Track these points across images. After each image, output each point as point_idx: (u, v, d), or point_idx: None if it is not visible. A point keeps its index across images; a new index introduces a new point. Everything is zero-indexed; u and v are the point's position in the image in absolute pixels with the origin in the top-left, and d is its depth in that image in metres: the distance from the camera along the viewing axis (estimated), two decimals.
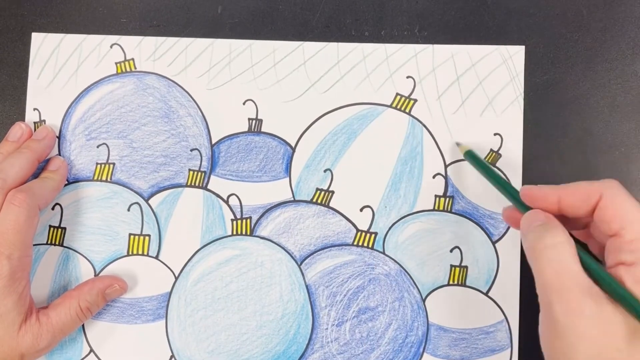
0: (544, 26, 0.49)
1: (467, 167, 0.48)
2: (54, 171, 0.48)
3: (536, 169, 0.48)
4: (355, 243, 0.48)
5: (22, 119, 0.50)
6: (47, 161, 0.49)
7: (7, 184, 0.45)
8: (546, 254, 0.35)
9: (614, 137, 0.48)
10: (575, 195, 0.37)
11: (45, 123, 0.50)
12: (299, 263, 0.48)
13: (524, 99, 0.48)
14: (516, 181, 0.47)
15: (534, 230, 0.36)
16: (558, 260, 0.34)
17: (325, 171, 0.49)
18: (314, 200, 0.48)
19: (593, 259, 0.35)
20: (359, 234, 0.48)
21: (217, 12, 0.50)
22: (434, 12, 0.49)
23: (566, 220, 0.38)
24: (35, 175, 0.48)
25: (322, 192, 0.48)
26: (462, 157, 0.47)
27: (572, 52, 0.49)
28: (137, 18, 0.51)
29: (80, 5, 0.51)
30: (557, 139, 0.48)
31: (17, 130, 0.49)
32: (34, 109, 0.50)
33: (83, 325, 0.48)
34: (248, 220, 0.49)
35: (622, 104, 0.48)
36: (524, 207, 0.39)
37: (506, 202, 0.42)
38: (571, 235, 0.36)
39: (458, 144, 0.47)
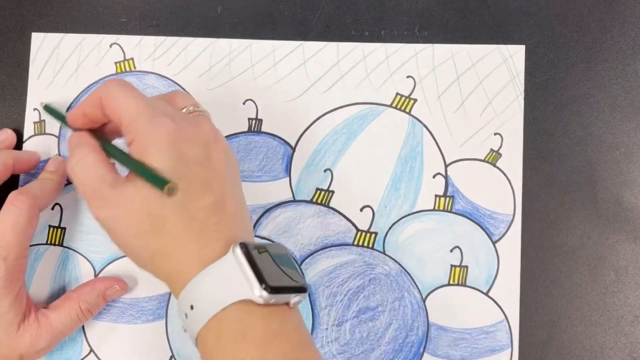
0: (544, 26, 0.49)
1: (468, 166, 0.48)
2: (53, 172, 0.48)
3: (536, 168, 0.48)
4: (355, 243, 0.48)
5: (22, 119, 0.50)
6: (46, 162, 0.49)
7: None
8: (76, 170, 0.38)
9: (614, 137, 0.48)
10: (88, 106, 0.40)
11: (45, 123, 0.50)
12: (299, 263, 0.48)
13: (524, 99, 0.48)
14: (516, 181, 0.47)
15: (69, 154, 0.40)
16: (84, 171, 0.38)
17: (325, 171, 0.48)
18: (314, 200, 0.48)
19: (118, 150, 0.39)
20: (359, 233, 0.48)
21: (217, 12, 0.50)
22: (434, 12, 0.49)
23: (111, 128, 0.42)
24: (34, 175, 0.48)
25: (322, 192, 0.48)
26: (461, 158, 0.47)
27: (572, 52, 0.49)
28: (137, 18, 0.51)
29: (80, 4, 0.51)
30: (557, 139, 0.48)
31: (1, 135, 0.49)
32: (34, 109, 0.50)
33: (83, 326, 0.48)
34: None
35: (622, 104, 0.48)
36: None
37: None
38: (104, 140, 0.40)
39: (42, 103, 0.49)
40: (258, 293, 0.33)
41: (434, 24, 0.49)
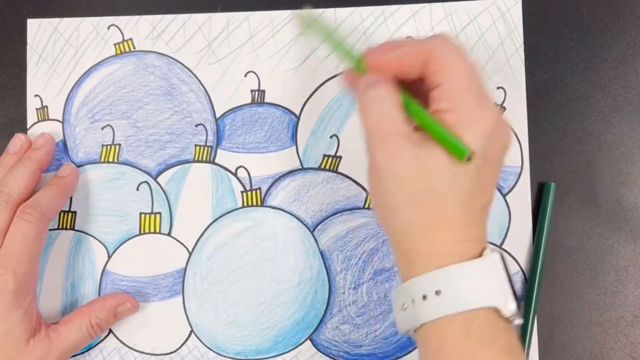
0: (544, 26, 0.49)
1: None
2: (63, 177, 0.48)
3: (536, 168, 0.48)
4: (366, 206, 0.48)
5: (23, 107, 0.50)
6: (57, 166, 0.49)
7: (13, 198, 0.44)
8: (369, 106, 0.36)
9: (614, 137, 0.48)
10: (411, 54, 0.36)
11: (47, 109, 0.50)
12: (311, 230, 0.48)
13: (526, 99, 0.48)
14: (522, 137, 0.47)
15: (363, 89, 0.37)
16: (379, 111, 0.35)
17: (331, 137, 0.49)
18: (322, 166, 0.48)
19: (418, 105, 0.36)
20: (369, 196, 0.48)
21: (217, 11, 0.50)
22: None
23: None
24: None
25: (330, 158, 0.48)
26: None
27: (572, 52, 0.48)
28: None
29: None
30: (557, 139, 0.48)
31: (17, 142, 0.48)
32: (35, 96, 0.50)
33: None
34: (258, 191, 0.49)
35: (622, 104, 0.48)
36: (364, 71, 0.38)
37: None
38: (403, 91, 0.36)
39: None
40: (512, 307, 0.33)
41: None
